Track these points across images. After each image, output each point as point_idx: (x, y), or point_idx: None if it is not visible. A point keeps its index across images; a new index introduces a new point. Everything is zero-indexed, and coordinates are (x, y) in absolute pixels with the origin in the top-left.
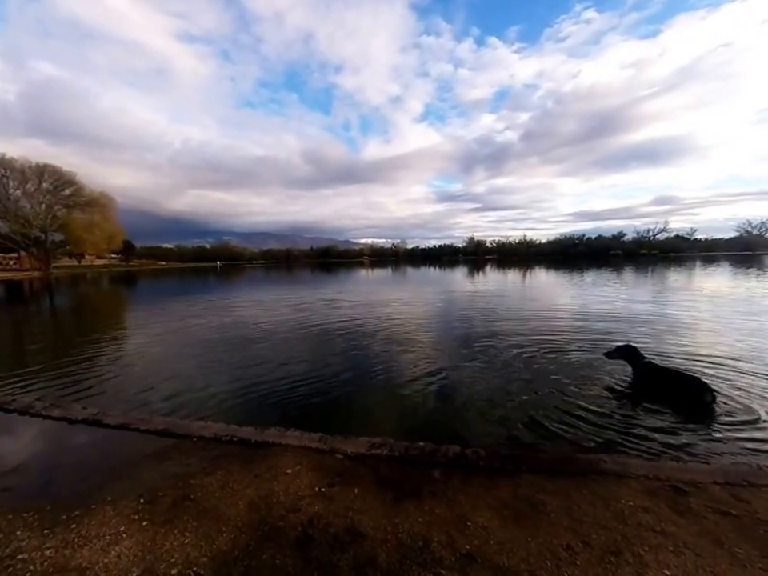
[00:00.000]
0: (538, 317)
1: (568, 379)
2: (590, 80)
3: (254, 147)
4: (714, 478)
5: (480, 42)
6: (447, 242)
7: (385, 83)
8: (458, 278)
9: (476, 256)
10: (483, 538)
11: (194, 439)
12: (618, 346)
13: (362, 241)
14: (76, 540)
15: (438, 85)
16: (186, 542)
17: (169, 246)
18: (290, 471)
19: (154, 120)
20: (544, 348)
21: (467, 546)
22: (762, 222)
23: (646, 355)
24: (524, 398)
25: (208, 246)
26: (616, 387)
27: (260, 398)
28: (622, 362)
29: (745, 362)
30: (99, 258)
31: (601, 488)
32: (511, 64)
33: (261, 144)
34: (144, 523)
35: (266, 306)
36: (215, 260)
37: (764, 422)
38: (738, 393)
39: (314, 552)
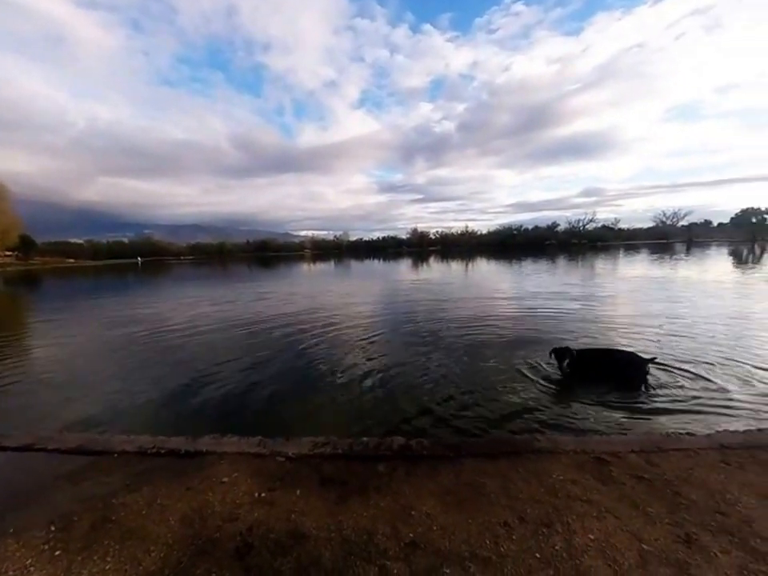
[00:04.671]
0: (481, 305)
1: (509, 366)
2: (520, 73)
3: (176, 130)
4: (631, 447)
5: (415, 29)
6: (391, 233)
7: (318, 66)
8: (403, 270)
9: (420, 248)
10: (427, 525)
11: (115, 455)
12: (554, 349)
13: (303, 233)
14: None
15: (374, 71)
16: (107, 567)
17: (78, 241)
18: (226, 480)
19: (52, 95)
20: (486, 336)
21: (411, 535)
22: (674, 213)
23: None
24: (467, 386)
25: (126, 240)
26: (553, 374)
27: (192, 405)
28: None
29: (660, 336)
30: None
31: (535, 465)
32: (446, 53)
33: (183, 127)
34: (56, 553)
35: (195, 305)
36: (135, 256)
37: (676, 389)
38: (659, 367)
39: (254, 560)
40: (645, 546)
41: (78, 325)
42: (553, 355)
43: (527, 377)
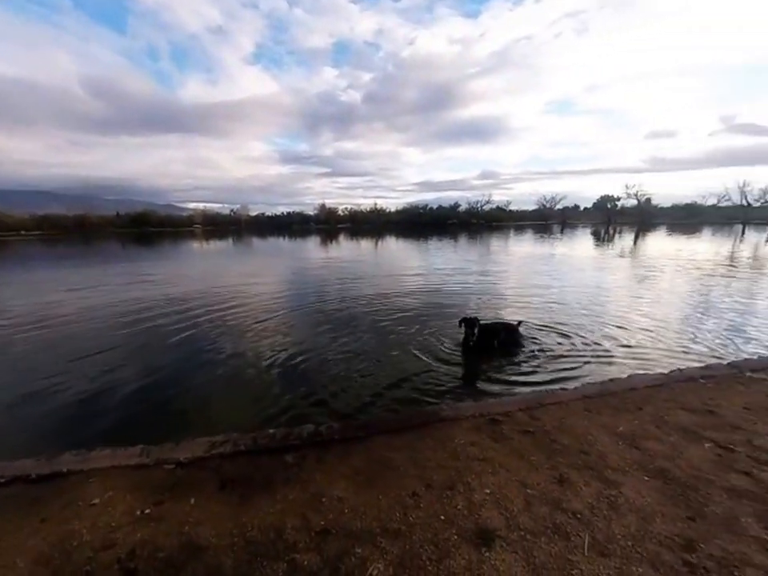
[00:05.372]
0: (390, 283)
1: (416, 341)
2: (425, 49)
3: (2, 63)
4: (519, 406)
5: None
6: (297, 209)
7: (200, 5)
8: (311, 248)
9: (328, 225)
10: (338, 509)
11: None
12: (464, 318)
13: (192, 206)
14: None
15: (270, 22)
16: None
17: None
18: (97, 501)
19: None
20: (394, 313)
21: (322, 522)
22: (552, 197)
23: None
24: (376, 364)
25: None
26: (456, 346)
27: (44, 417)
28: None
29: (544, 304)
30: None
31: (440, 433)
32: (350, 14)
33: (15, 59)
34: None
35: (45, 291)
36: None
37: (556, 347)
38: (545, 332)
39: None
40: (529, 491)
41: None
42: (463, 324)
43: (432, 350)
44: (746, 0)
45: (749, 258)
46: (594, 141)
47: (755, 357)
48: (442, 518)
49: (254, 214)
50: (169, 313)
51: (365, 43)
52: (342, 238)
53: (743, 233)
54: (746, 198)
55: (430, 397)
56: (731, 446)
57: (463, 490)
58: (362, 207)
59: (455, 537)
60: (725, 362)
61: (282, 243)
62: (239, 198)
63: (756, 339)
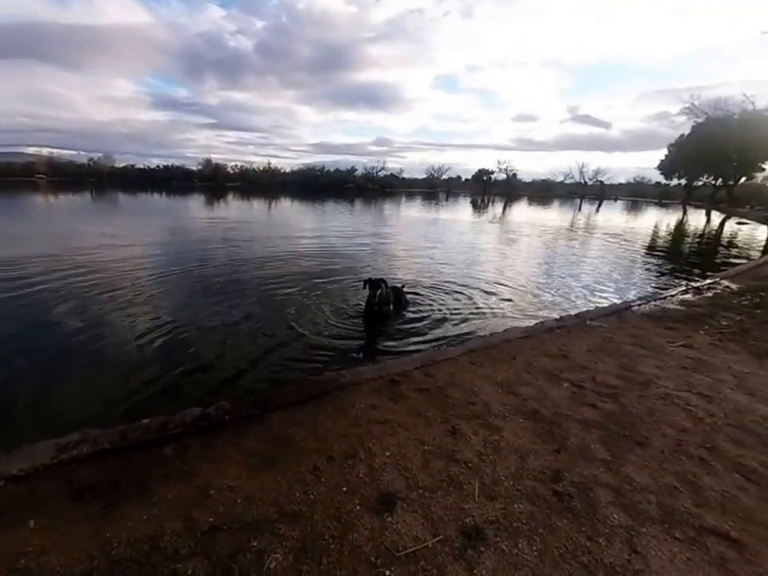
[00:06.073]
0: (284, 245)
1: (311, 305)
2: (322, 3)
3: None
4: (414, 365)
5: None
6: (177, 162)
7: None
8: (195, 207)
9: (215, 182)
10: (230, 500)
11: None
12: (368, 279)
13: (31, 150)
14: None
15: None
16: None
17: None
18: None
19: None
20: (288, 276)
21: (210, 519)
22: (439, 168)
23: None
24: (270, 332)
25: None
26: (354, 309)
27: None
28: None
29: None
30: None
31: (341, 401)
32: None
33: None
34: None
35: None
36: None
37: (448, 310)
38: (435, 292)
39: None
40: (426, 447)
41: None
42: (367, 286)
43: (329, 314)
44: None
45: (585, 225)
46: (474, 118)
47: (593, 307)
48: (345, 489)
49: (121, 165)
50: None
51: None
52: (231, 197)
53: (580, 206)
54: (583, 177)
55: (331, 363)
56: (581, 384)
57: (365, 457)
58: (255, 165)
59: (358, 507)
60: (573, 313)
61: (158, 201)
62: (101, 145)
63: (599, 291)
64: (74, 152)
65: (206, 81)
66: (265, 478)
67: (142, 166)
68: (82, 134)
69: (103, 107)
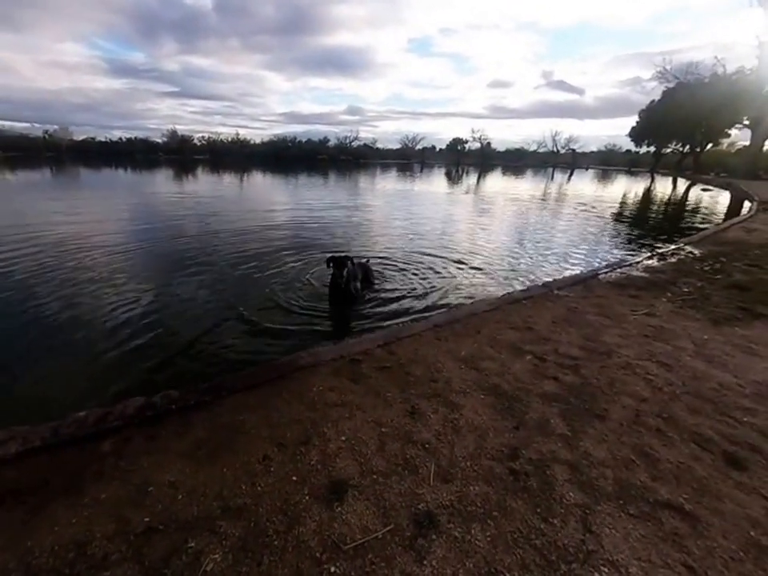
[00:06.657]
0: (254, 218)
1: (279, 283)
2: None
3: None
4: (377, 342)
5: None
6: (140, 134)
7: None
8: (161, 182)
9: (182, 155)
10: (170, 497)
11: None
12: (332, 257)
13: None
14: None
15: None
16: None
17: None
18: None
19: None
20: (258, 252)
21: (147, 520)
22: (414, 138)
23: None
24: (230, 311)
25: None
26: (321, 286)
27: None
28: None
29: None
30: None
31: (298, 384)
32: None
33: None
34: None
35: None
36: None
37: (415, 283)
38: (406, 265)
39: None
40: (383, 429)
41: None
42: (331, 264)
43: (296, 292)
44: None
45: (557, 195)
46: (448, 85)
47: (560, 276)
48: (294, 479)
49: (80, 138)
50: None
51: None
52: (199, 171)
53: (553, 175)
54: (556, 146)
55: (290, 345)
56: (544, 356)
57: (319, 443)
58: (222, 137)
59: (307, 498)
60: (539, 283)
61: (122, 175)
62: (54, 116)
63: (570, 258)
64: (26, 124)
65: (163, 43)
66: (210, 470)
67: (103, 139)
68: (31, 104)
69: (53, 74)
